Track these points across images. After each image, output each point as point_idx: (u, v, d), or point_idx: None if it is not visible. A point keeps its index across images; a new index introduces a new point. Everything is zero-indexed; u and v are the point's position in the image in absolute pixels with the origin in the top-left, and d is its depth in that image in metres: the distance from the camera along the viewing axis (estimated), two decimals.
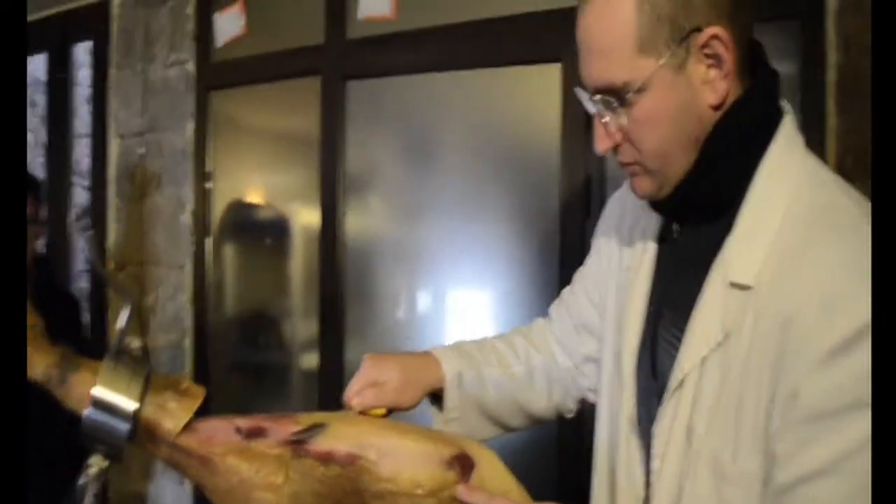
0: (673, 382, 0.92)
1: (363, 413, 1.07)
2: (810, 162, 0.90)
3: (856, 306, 0.76)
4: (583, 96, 0.93)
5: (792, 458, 0.79)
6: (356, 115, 2.40)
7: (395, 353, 1.18)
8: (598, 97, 0.89)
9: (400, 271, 2.34)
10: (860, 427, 0.74)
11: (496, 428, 1.25)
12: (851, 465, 0.75)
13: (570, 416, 1.32)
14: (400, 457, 0.94)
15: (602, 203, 2.02)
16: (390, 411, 1.11)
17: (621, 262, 1.11)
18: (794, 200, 0.86)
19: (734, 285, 0.86)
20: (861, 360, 0.74)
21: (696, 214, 0.95)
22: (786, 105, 0.93)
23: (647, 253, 1.04)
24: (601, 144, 0.92)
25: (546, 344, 1.29)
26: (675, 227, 1.00)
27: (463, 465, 0.95)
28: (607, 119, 0.90)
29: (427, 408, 1.22)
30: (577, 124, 2.01)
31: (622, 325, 1.06)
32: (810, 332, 0.78)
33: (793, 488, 0.79)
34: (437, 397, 1.20)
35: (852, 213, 0.83)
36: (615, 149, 0.93)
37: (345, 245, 2.41)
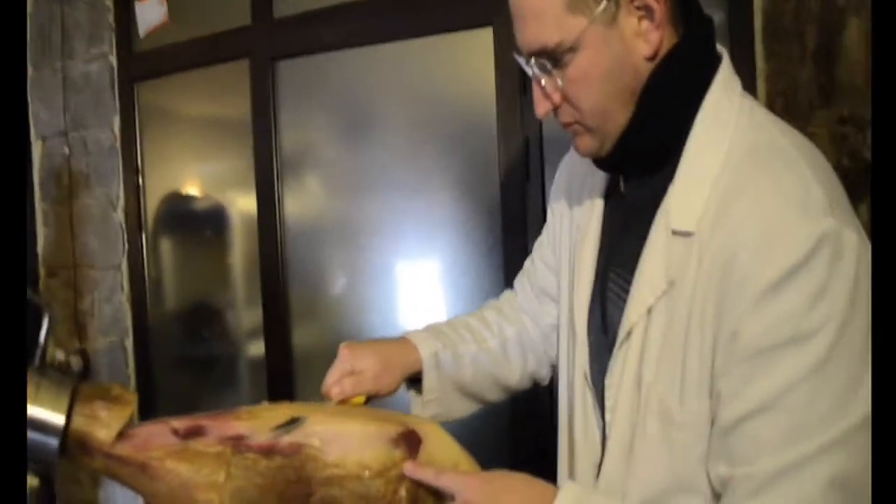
0: (621, 334, 0.92)
1: (342, 402, 1.06)
2: (747, 104, 0.90)
3: (791, 242, 0.76)
4: (520, 61, 0.93)
5: (734, 396, 0.79)
6: (288, 96, 2.36)
7: (369, 340, 1.18)
8: (533, 61, 0.89)
9: (343, 251, 2.31)
10: (799, 362, 0.75)
11: (474, 403, 1.26)
12: (792, 400, 0.76)
13: (544, 384, 1.33)
14: (345, 441, 0.93)
15: (541, 165, 2.04)
16: (369, 399, 1.10)
17: (572, 222, 1.11)
18: (732, 144, 0.86)
19: (676, 233, 0.87)
20: (797, 295, 0.75)
21: (639, 167, 0.95)
22: (722, 50, 0.93)
23: (594, 210, 1.05)
24: (540, 107, 0.92)
25: (516, 314, 1.30)
26: (621, 182, 1.01)
27: (409, 442, 0.94)
28: (544, 82, 0.90)
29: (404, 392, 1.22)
30: (512, 88, 2.01)
31: (573, 283, 1.07)
32: (748, 270, 0.78)
33: (736, 426, 0.79)
34: (414, 381, 1.20)
35: (789, 152, 0.84)
36: (555, 110, 0.93)
37: (284, 229, 2.38)
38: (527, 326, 1.28)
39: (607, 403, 0.95)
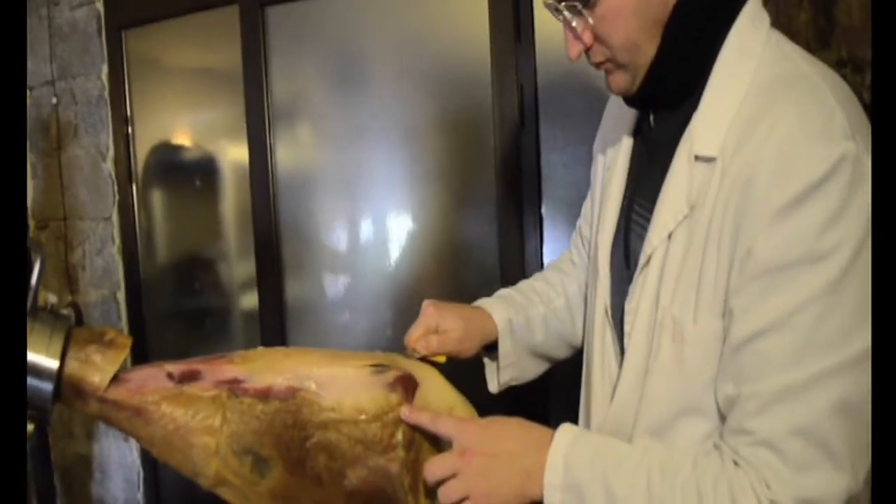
0: (642, 259, 0.93)
1: (424, 359, 1.06)
2: (775, 37, 0.89)
3: (810, 163, 0.76)
4: (550, 8, 0.93)
5: (745, 313, 0.80)
6: (278, 43, 2.32)
7: (450, 303, 1.18)
8: (563, 4, 0.90)
9: (335, 200, 2.30)
10: (811, 281, 0.76)
11: (545, 363, 1.28)
12: (802, 320, 0.76)
13: None
14: (341, 384, 0.92)
15: (536, 114, 2.01)
16: (449, 359, 1.11)
17: (605, 164, 1.13)
18: (757, 73, 0.86)
19: (699, 158, 0.87)
20: (813, 215, 0.76)
21: (667, 100, 0.95)
22: None
23: (622, 148, 1.06)
24: (573, 49, 0.93)
25: (575, 270, 1.31)
26: (650, 119, 1.01)
27: (406, 386, 0.94)
28: (575, 23, 0.90)
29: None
30: (507, 35, 1.98)
31: (599, 219, 1.08)
32: (766, 190, 0.78)
33: (745, 344, 0.80)
34: (485, 347, 1.22)
35: (814, 80, 0.83)
36: (586, 52, 0.93)
37: (276, 179, 2.35)
38: (584, 282, 1.29)
39: (626, 329, 0.96)
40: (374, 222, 2.25)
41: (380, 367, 0.95)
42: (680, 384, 0.88)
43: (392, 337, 2.23)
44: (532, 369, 1.26)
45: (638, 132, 1.05)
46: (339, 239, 2.31)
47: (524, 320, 1.22)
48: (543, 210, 2.02)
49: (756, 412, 0.78)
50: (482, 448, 0.88)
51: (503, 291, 1.28)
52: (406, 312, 2.22)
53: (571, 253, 1.34)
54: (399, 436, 0.91)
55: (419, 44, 2.13)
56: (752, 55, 0.87)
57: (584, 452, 0.86)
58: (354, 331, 2.30)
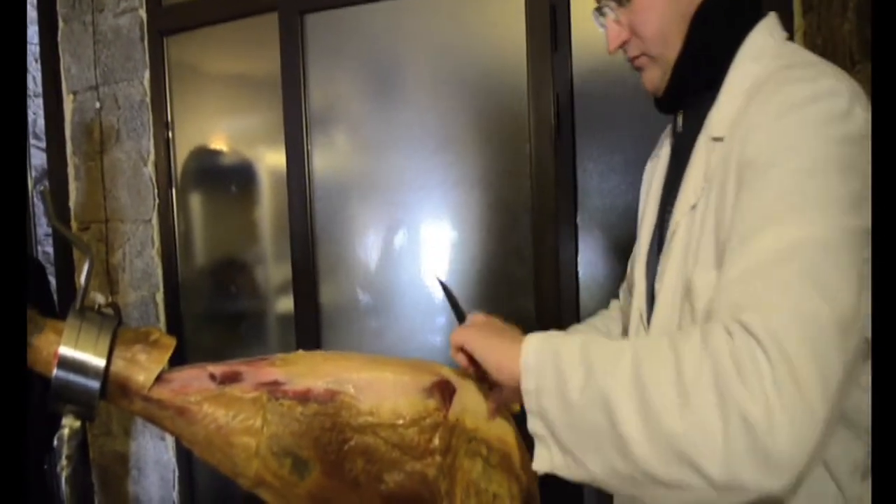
0: (668, 236, 0.98)
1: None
2: (790, 46, 0.97)
3: (794, 90, 0.83)
4: (595, 16, 1.06)
5: (735, 254, 0.81)
6: (317, 50, 2.34)
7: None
8: (604, 2, 1.02)
9: (371, 207, 2.32)
10: (782, 172, 0.79)
11: None
12: (779, 207, 0.78)
13: None
14: (379, 389, 0.93)
15: (572, 122, 2.02)
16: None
17: (646, 189, 1.19)
18: (766, 67, 0.92)
19: (714, 139, 0.94)
20: (791, 124, 0.81)
21: (690, 95, 1.02)
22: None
23: (661, 161, 1.14)
24: (612, 43, 1.04)
25: (621, 316, 1.32)
26: (678, 124, 1.08)
27: (443, 391, 0.95)
28: (613, 18, 1.02)
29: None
30: (543, 43, 1.98)
31: (638, 235, 1.14)
32: (757, 134, 0.84)
33: (735, 279, 0.80)
34: None
35: (818, 66, 0.88)
36: (624, 47, 1.04)
37: (313, 185, 2.38)
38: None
39: (655, 308, 0.98)
40: (409, 229, 2.26)
41: (418, 373, 0.96)
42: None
43: (425, 342, 2.24)
44: None
45: (673, 148, 1.10)
46: (373, 245, 2.33)
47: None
48: (578, 219, 2.02)
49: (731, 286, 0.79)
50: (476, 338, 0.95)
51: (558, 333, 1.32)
52: (439, 320, 2.23)
53: (620, 299, 1.35)
54: (436, 441, 0.92)
55: (455, 52, 2.14)
56: (764, 56, 0.94)
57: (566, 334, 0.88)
58: (388, 336, 2.32)
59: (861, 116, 0.81)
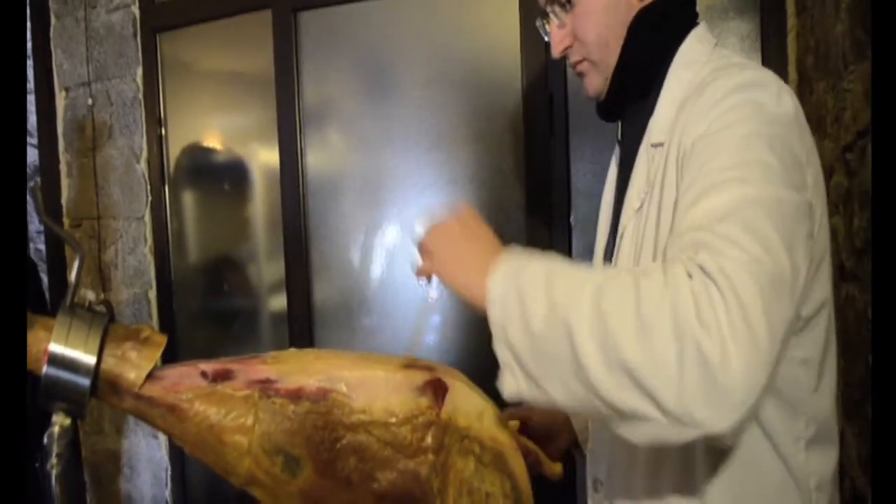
0: (617, 240, 1.04)
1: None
2: (719, 51, 1.02)
3: (725, 84, 0.89)
4: (539, 23, 1.12)
5: (684, 215, 0.84)
6: (310, 48, 2.34)
7: None
8: (549, 8, 1.07)
9: (364, 205, 2.31)
10: (742, 187, 0.81)
11: None
12: (741, 211, 0.79)
13: None
14: (371, 387, 0.93)
15: (566, 122, 2.02)
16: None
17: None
18: (698, 73, 0.98)
19: (654, 145, 0.99)
20: (728, 105, 0.86)
21: (629, 102, 1.08)
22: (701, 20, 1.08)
23: (612, 169, 1.20)
24: (556, 49, 1.09)
25: None
26: (619, 131, 1.15)
27: (436, 390, 0.94)
28: (558, 23, 1.07)
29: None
30: (537, 43, 1.98)
31: (597, 235, 1.20)
32: (694, 127, 0.89)
33: (686, 231, 0.83)
34: None
35: (745, 64, 0.95)
36: (567, 51, 1.08)
37: (306, 182, 2.38)
38: None
39: None
40: (403, 227, 2.26)
41: (410, 371, 0.96)
42: None
43: (418, 340, 2.24)
44: None
45: (620, 159, 1.16)
46: (367, 243, 2.32)
47: None
48: (572, 219, 2.02)
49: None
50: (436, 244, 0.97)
51: None
52: (433, 318, 2.23)
53: None
54: (429, 439, 0.92)
55: (450, 51, 2.14)
56: (695, 63, 1.00)
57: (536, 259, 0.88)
58: (381, 334, 2.31)
59: (789, 103, 0.87)
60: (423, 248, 0.99)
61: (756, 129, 0.84)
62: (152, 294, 2.72)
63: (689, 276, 0.74)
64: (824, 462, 0.94)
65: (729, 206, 0.79)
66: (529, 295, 0.81)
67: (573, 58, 1.09)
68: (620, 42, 1.04)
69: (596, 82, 1.08)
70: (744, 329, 0.70)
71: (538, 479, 1.10)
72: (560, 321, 0.78)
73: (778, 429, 0.90)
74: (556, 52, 1.09)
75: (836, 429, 0.96)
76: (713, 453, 0.92)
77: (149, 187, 2.69)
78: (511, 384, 0.85)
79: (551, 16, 1.08)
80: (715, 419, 0.70)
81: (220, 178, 2.60)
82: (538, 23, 1.12)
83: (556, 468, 1.18)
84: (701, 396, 0.70)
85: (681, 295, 0.73)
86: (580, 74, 1.10)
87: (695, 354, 0.70)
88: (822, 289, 0.91)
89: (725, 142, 0.84)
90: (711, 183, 0.82)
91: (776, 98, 0.87)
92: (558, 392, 0.80)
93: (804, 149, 0.86)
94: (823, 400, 0.93)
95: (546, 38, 1.11)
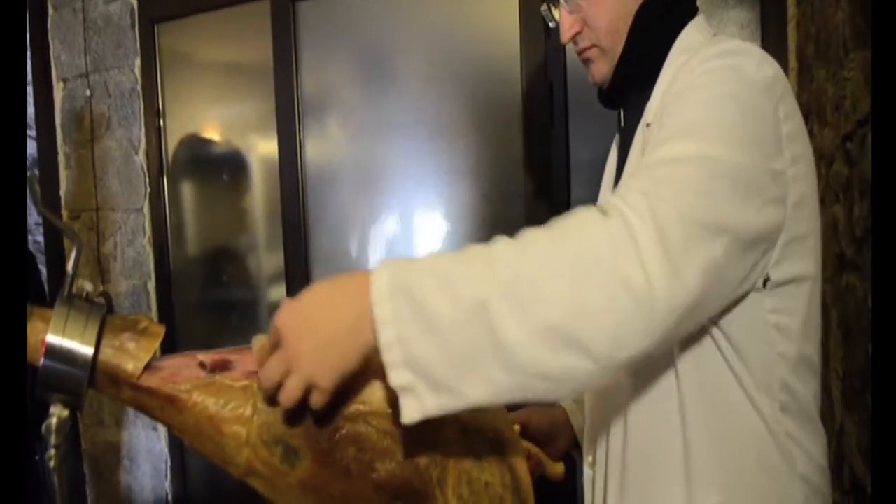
0: None
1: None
2: (716, 38, 1.03)
3: (704, 56, 0.91)
4: (544, 9, 1.12)
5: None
6: (309, 38, 2.33)
7: None
8: None
9: (364, 196, 2.31)
10: (699, 143, 0.82)
11: None
12: (692, 165, 0.80)
13: None
14: (370, 377, 0.92)
15: (566, 111, 2.01)
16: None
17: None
18: (693, 56, 0.98)
19: (648, 125, 1.00)
20: (709, 68, 0.88)
21: (631, 90, 1.08)
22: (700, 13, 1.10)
23: (611, 156, 1.21)
24: (566, 34, 1.08)
25: None
26: (621, 119, 1.15)
27: None
28: (569, 9, 1.07)
29: None
30: (536, 33, 1.98)
31: None
32: (682, 82, 0.91)
33: (631, 177, 0.86)
34: None
35: (739, 45, 0.94)
36: (576, 37, 1.08)
37: (305, 173, 2.37)
38: None
39: None
40: (402, 218, 2.26)
41: None
42: None
43: None
44: None
45: (618, 145, 1.18)
46: (366, 233, 2.32)
47: None
48: (572, 208, 2.02)
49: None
50: (296, 320, 0.80)
51: None
52: None
53: None
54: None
55: (449, 40, 2.13)
56: (693, 49, 1.00)
57: (411, 264, 0.79)
58: None
59: (770, 72, 0.88)
60: (273, 341, 0.82)
61: (730, 91, 0.86)
62: (151, 285, 2.72)
63: (604, 214, 0.75)
64: (809, 440, 0.92)
65: (677, 157, 0.80)
66: (427, 297, 0.74)
67: (582, 44, 1.09)
68: (627, 29, 1.05)
69: (603, 69, 1.09)
70: (660, 250, 0.71)
71: (539, 479, 1.10)
72: (470, 306, 0.72)
73: (764, 402, 0.90)
74: (565, 37, 1.09)
75: (819, 424, 0.95)
76: (701, 408, 0.92)
77: (147, 179, 2.68)
78: (413, 408, 0.77)
79: (562, 1, 1.08)
80: (650, 330, 0.72)
81: (218, 169, 2.60)
82: (543, 8, 1.13)
83: (557, 468, 1.18)
84: (635, 319, 0.71)
85: (593, 233, 0.74)
86: (586, 61, 1.10)
87: (621, 287, 0.70)
88: (803, 263, 0.90)
89: (697, 99, 0.87)
90: (672, 133, 0.84)
91: (756, 65, 0.88)
92: (477, 388, 0.75)
93: (783, 118, 0.86)
94: (806, 385, 0.92)
95: (551, 24, 1.11)
